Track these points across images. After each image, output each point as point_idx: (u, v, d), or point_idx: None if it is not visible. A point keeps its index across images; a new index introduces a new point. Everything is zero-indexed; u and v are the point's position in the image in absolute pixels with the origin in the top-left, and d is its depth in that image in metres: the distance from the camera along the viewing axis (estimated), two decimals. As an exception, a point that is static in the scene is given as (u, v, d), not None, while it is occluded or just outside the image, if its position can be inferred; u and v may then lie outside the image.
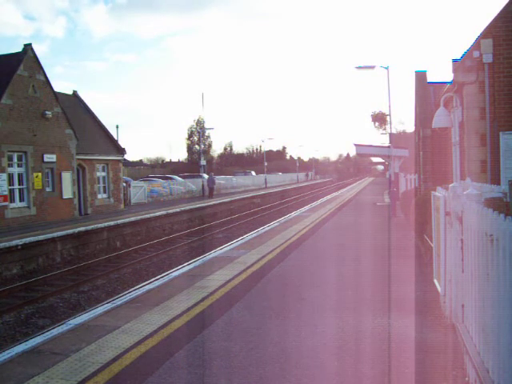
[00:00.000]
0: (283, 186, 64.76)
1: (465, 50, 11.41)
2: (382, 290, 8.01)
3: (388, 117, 28.14)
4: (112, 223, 21.17)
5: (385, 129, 62.68)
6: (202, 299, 7.57)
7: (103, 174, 28.52)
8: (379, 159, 58.93)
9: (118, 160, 29.86)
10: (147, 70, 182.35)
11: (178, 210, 27.43)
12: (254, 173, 71.83)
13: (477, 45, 11.06)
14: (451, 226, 5.66)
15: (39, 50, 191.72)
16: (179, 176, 49.03)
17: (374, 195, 36.35)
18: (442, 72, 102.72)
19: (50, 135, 23.53)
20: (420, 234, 11.14)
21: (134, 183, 35.22)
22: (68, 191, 24.59)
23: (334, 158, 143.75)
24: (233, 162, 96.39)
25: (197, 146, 80.00)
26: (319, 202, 31.44)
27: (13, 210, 21.14)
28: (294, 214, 23.25)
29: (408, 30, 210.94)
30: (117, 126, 37.70)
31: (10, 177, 21.23)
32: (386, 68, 22.00)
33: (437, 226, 6.89)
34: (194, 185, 42.04)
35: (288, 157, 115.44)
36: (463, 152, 11.70)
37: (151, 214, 24.60)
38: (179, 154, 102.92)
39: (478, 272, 4.07)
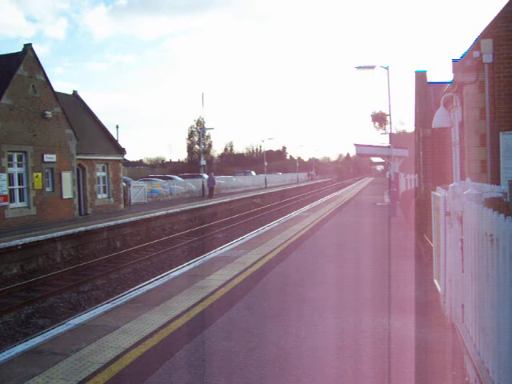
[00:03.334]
0: (283, 185, 64.74)
1: (465, 50, 11.40)
2: (382, 289, 8.01)
3: (388, 117, 28.13)
4: (112, 223, 21.16)
5: (385, 129, 62.76)
6: (202, 299, 7.57)
7: (103, 174, 28.51)
8: (379, 159, 58.94)
9: (118, 160, 29.85)
10: (147, 71, 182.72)
11: (178, 210, 27.42)
12: (254, 173, 71.84)
13: (477, 45, 11.05)
14: (451, 226, 5.66)
15: (40, 51, 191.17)
16: (179, 176, 49.04)
17: (373, 195, 36.34)
18: (442, 72, 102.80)
19: (50, 135, 23.53)
20: (420, 233, 11.14)
21: (134, 183, 35.22)
22: (68, 191, 24.58)
23: (334, 158, 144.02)
24: (233, 162, 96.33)
25: (197, 146, 79.95)
26: (319, 201, 31.43)
27: (13, 210, 21.14)
28: (293, 213, 23.24)
29: (408, 30, 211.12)
30: (117, 126, 37.73)
31: (10, 177, 21.22)
32: (386, 68, 22.01)
33: (437, 226, 6.89)
34: (194, 185, 42.02)
35: (288, 157, 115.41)
36: (463, 152, 11.70)
37: (151, 214, 24.60)
38: (179, 153, 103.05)
39: (478, 272, 4.07)
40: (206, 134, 75.41)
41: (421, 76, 20.43)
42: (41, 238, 17.12)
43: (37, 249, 16.96)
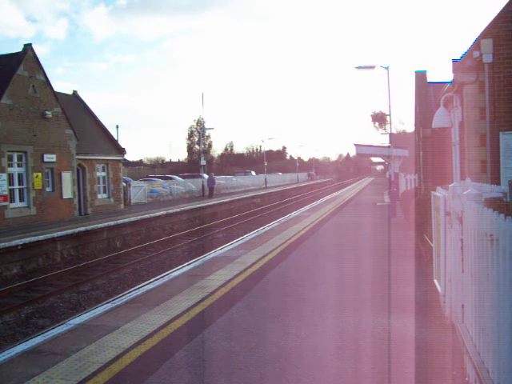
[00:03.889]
0: (283, 185, 64.73)
1: (465, 50, 11.40)
2: (382, 289, 8.01)
3: (388, 117, 28.13)
4: (112, 223, 21.16)
5: (385, 129, 62.77)
6: (202, 299, 7.57)
7: (103, 174, 28.51)
8: (379, 159, 58.96)
9: (118, 160, 29.85)
10: (147, 71, 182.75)
11: (178, 210, 27.42)
12: (254, 173, 71.84)
13: (477, 45, 11.05)
14: (451, 226, 5.66)
15: (41, 51, 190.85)
16: (179, 176, 49.04)
17: (373, 195, 36.34)
18: (442, 72, 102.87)
19: (50, 135, 23.53)
20: (420, 233, 11.14)
21: (134, 183, 35.21)
22: (68, 191, 24.58)
23: (334, 158, 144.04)
24: (233, 162, 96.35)
25: (197, 146, 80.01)
26: (319, 201, 31.43)
27: (13, 210, 21.13)
28: (293, 213, 23.24)
29: (408, 30, 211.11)
30: (117, 126, 37.73)
31: (10, 177, 21.21)
32: (386, 68, 22.01)
33: (437, 226, 6.89)
34: (194, 185, 42.02)
35: (288, 157, 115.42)
36: (463, 152, 11.70)
37: (151, 214, 24.60)
38: (179, 153, 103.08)
39: (478, 272, 4.07)
40: (206, 134, 75.47)
41: (421, 76, 20.43)
42: (41, 238, 17.12)
43: (37, 249, 16.96)
